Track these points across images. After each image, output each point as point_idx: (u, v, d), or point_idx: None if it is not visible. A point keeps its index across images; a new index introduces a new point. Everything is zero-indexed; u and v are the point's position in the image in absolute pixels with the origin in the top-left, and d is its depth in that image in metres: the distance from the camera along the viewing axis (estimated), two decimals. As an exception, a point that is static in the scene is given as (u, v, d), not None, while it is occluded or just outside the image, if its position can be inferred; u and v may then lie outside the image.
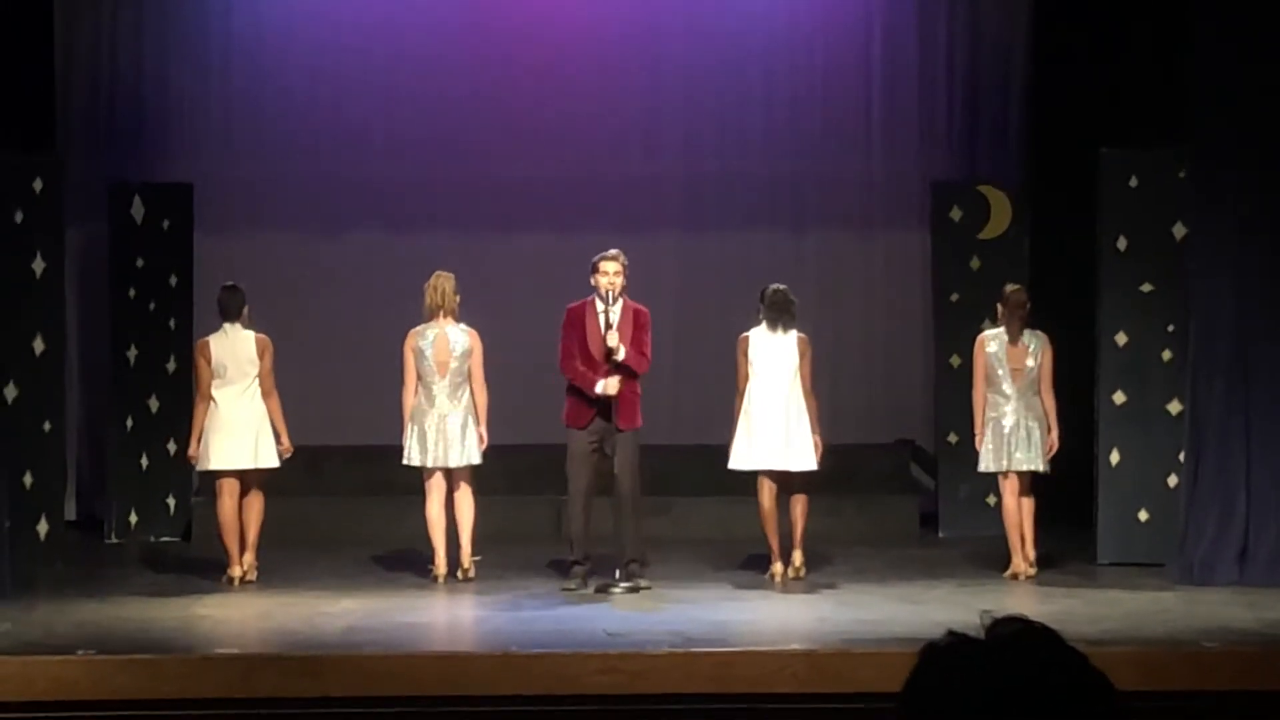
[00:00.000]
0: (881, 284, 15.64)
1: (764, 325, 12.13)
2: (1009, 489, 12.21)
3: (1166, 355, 12.60)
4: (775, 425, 11.98)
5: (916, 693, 2.21)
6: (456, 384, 12.14)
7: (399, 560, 12.81)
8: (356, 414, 14.62)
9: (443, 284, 12.22)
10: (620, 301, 11.74)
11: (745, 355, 12.10)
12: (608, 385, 11.61)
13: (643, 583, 11.67)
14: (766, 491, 12.07)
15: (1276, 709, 8.92)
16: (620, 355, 11.62)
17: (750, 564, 12.52)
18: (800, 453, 12.00)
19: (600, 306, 11.75)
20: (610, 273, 11.72)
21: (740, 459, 12.09)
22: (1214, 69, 11.83)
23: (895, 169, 15.55)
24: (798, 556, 12.13)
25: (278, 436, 12.16)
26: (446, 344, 12.16)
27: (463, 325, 12.24)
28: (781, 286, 12.21)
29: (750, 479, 12.12)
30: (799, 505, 12.11)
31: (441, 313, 12.20)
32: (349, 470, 14.47)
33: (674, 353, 14.08)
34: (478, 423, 12.15)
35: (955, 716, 2.16)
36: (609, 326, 11.68)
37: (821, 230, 15.59)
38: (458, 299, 12.23)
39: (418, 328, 12.24)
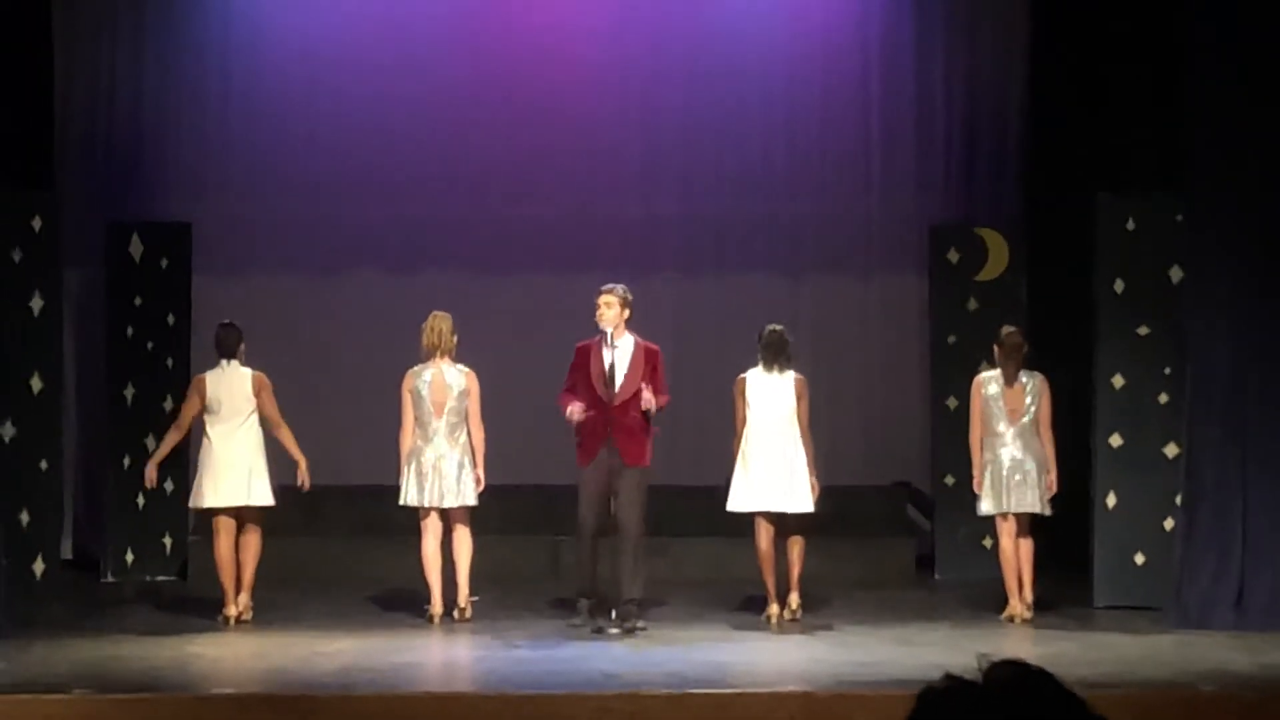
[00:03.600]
0: (879, 326, 15.63)
1: (760, 366, 12.13)
2: (1006, 531, 12.19)
3: (1163, 398, 12.60)
4: (773, 467, 11.97)
5: (913, 735, 2.21)
6: (453, 424, 12.12)
7: (395, 600, 12.79)
8: (354, 454, 14.60)
9: (439, 324, 12.22)
10: (630, 339, 11.75)
11: (742, 396, 12.09)
12: (574, 411, 11.60)
13: (639, 624, 11.66)
14: (764, 533, 12.06)
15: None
16: (653, 409, 11.64)
17: (747, 605, 12.50)
18: (798, 495, 11.98)
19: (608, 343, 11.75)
20: (601, 305, 11.73)
21: (738, 500, 12.07)
22: (1209, 112, 11.85)
23: (893, 212, 15.55)
24: (794, 598, 12.11)
25: (282, 467, 12.13)
26: (443, 385, 12.15)
27: (460, 366, 12.23)
28: (778, 327, 12.21)
29: (746, 520, 12.10)
30: (796, 547, 12.09)
31: (438, 353, 12.19)
32: (346, 510, 14.45)
33: (671, 393, 14.06)
34: (474, 464, 12.14)
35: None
36: (612, 367, 11.68)
37: (819, 273, 15.59)
38: (455, 339, 12.22)
39: (414, 368, 12.23)
